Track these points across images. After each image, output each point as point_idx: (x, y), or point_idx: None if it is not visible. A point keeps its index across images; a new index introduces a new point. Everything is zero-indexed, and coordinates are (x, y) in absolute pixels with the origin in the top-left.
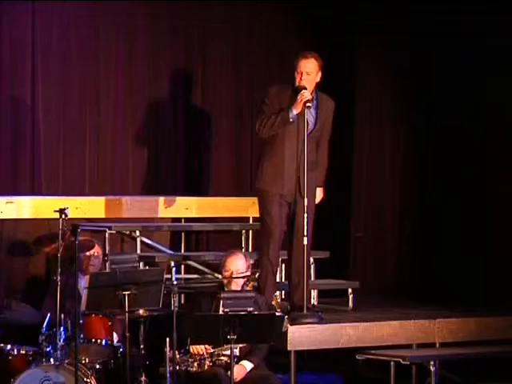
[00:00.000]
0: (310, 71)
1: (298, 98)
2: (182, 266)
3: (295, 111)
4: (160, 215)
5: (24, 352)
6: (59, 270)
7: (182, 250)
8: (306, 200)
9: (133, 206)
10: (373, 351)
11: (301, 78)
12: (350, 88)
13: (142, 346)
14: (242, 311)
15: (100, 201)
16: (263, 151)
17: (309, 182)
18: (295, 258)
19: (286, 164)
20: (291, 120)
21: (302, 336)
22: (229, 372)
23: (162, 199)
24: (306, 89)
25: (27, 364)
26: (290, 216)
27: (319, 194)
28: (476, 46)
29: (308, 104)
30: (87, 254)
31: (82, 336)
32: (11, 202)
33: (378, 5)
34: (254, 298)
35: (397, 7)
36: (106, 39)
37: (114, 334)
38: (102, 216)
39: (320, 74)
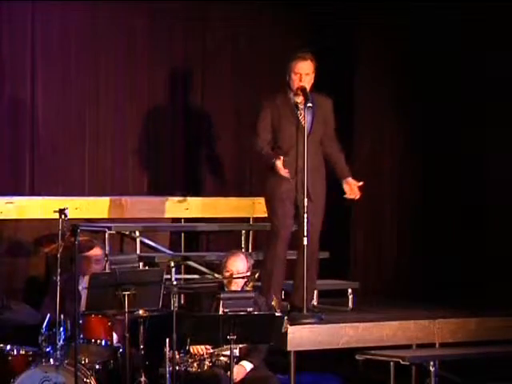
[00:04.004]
0: (308, 72)
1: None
2: (182, 266)
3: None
4: (160, 215)
5: (24, 352)
6: (59, 270)
7: (182, 250)
8: (306, 201)
9: (132, 206)
10: (373, 351)
11: (300, 80)
12: (349, 88)
13: (141, 347)
14: (242, 311)
15: (100, 201)
16: None
17: (313, 185)
18: (298, 258)
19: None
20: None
21: (301, 336)
22: (228, 372)
23: (160, 199)
24: (305, 89)
25: (27, 364)
26: (297, 217)
27: (355, 184)
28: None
29: (309, 104)
30: (86, 254)
31: (81, 336)
32: (11, 202)
33: (378, 4)
34: (253, 299)
35: (397, 6)
36: (106, 39)
37: (114, 335)
38: (102, 216)
39: (314, 75)
